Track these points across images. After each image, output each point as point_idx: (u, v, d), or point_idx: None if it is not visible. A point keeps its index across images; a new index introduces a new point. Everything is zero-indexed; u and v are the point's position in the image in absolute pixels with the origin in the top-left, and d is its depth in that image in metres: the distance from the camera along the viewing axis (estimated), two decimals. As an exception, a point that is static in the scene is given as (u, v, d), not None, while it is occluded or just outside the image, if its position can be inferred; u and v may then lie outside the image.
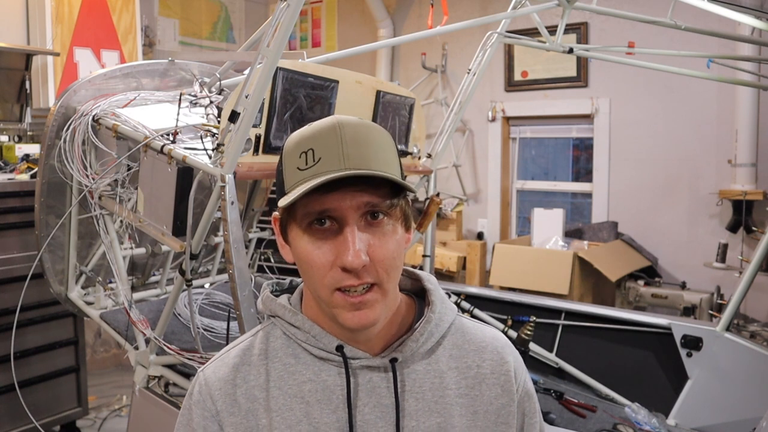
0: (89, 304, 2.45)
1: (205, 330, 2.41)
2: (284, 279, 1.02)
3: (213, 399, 0.88)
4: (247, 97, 1.62)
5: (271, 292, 0.97)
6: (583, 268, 3.74)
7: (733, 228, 3.86)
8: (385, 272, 0.82)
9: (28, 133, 3.48)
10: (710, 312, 3.48)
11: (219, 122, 2.02)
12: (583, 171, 4.71)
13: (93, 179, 2.16)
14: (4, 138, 3.30)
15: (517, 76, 4.70)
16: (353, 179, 0.79)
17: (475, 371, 0.92)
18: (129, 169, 2.16)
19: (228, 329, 2.21)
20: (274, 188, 3.41)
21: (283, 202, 0.82)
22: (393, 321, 0.90)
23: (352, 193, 0.79)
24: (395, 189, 0.83)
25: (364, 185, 0.79)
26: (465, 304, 3.01)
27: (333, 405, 0.86)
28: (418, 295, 0.96)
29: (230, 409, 0.87)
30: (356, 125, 0.83)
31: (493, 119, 4.82)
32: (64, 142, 2.17)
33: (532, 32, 3.77)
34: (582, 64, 4.40)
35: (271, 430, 0.85)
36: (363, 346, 0.88)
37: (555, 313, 2.88)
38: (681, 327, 2.56)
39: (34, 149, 3.17)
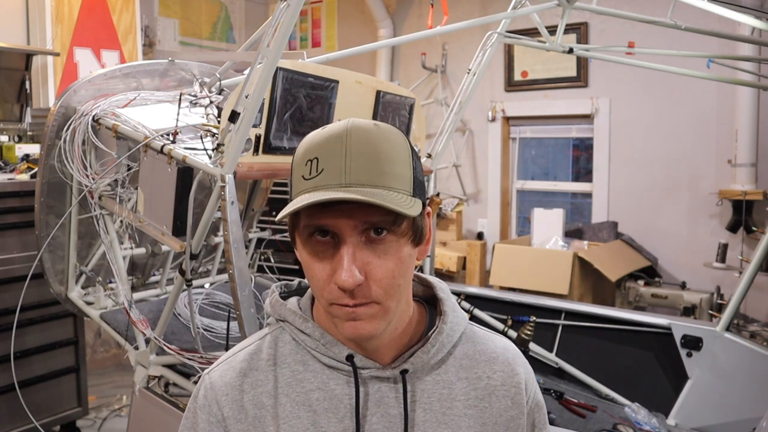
0: (89, 304, 2.45)
1: (205, 330, 2.41)
2: (292, 280, 1.00)
3: (219, 404, 0.86)
4: (247, 97, 1.62)
5: (280, 294, 0.95)
6: (583, 268, 3.74)
7: (733, 228, 3.86)
8: (382, 291, 0.78)
9: (28, 133, 3.48)
10: (710, 312, 3.48)
11: (219, 122, 2.02)
12: (583, 171, 4.71)
13: (93, 179, 2.16)
14: (4, 138, 3.30)
15: (517, 76, 4.70)
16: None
17: (485, 382, 0.91)
18: (129, 169, 2.16)
19: (228, 329, 2.20)
20: (275, 188, 3.38)
21: (280, 215, 0.79)
22: (404, 331, 0.88)
23: (351, 211, 0.76)
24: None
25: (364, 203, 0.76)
26: (465, 304, 3.01)
27: (340, 414, 0.84)
28: (429, 302, 0.94)
29: (237, 416, 0.86)
30: (367, 133, 0.78)
31: (493, 119, 4.82)
32: (64, 142, 2.17)
33: (532, 32, 3.78)
34: (582, 64, 4.40)
35: None
36: (373, 355, 0.87)
37: (555, 313, 2.88)
38: (681, 327, 2.56)
39: (34, 149, 3.17)
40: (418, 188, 0.81)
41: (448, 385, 0.89)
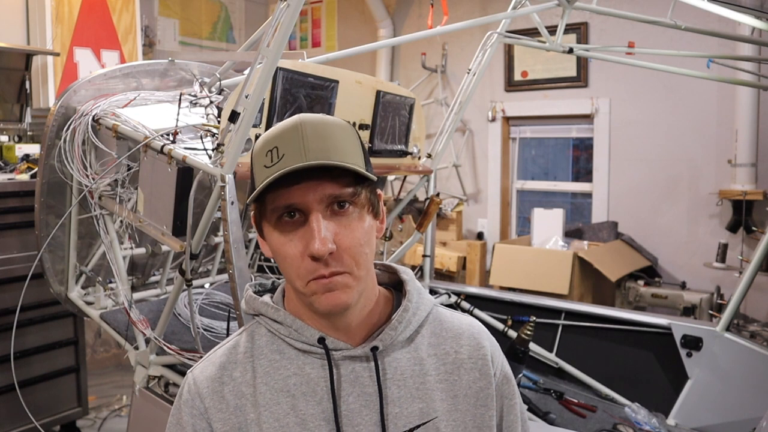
0: (89, 304, 2.45)
1: (205, 330, 2.41)
2: (267, 280, 1.05)
3: (201, 397, 0.91)
4: (247, 97, 1.62)
5: (254, 292, 1.00)
6: (583, 268, 3.74)
7: (733, 228, 3.86)
8: (352, 259, 0.85)
9: (28, 133, 3.48)
10: (710, 312, 3.48)
11: (219, 122, 2.02)
12: (583, 171, 4.71)
13: (93, 179, 2.16)
14: (4, 138, 3.30)
15: (517, 76, 4.70)
16: (316, 172, 0.82)
17: (453, 357, 0.95)
18: (129, 169, 2.16)
19: (228, 329, 2.21)
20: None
21: (251, 198, 0.86)
22: (372, 312, 0.93)
23: (314, 186, 0.83)
24: (358, 178, 0.86)
25: (326, 177, 0.83)
26: (465, 304, 3.01)
27: (318, 397, 0.88)
28: (396, 288, 0.99)
29: (218, 406, 0.90)
30: (317, 121, 0.87)
31: (493, 119, 4.82)
32: (64, 142, 2.17)
33: (532, 32, 3.77)
34: (582, 64, 4.40)
35: (259, 424, 0.88)
36: (344, 337, 0.91)
37: (555, 313, 2.88)
38: (681, 327, 2.56)
39: (34, 149, 3.17)
40: (369, 164, 0.89)
41: (419, 361, 0.93)
